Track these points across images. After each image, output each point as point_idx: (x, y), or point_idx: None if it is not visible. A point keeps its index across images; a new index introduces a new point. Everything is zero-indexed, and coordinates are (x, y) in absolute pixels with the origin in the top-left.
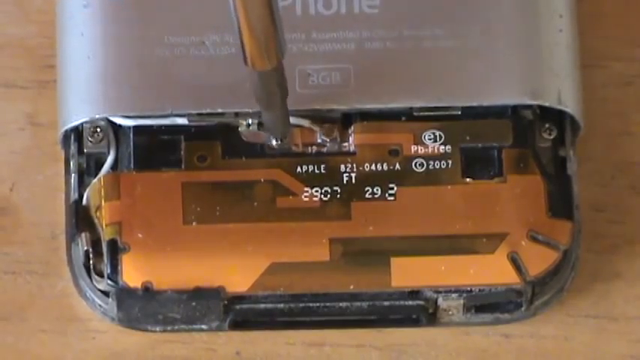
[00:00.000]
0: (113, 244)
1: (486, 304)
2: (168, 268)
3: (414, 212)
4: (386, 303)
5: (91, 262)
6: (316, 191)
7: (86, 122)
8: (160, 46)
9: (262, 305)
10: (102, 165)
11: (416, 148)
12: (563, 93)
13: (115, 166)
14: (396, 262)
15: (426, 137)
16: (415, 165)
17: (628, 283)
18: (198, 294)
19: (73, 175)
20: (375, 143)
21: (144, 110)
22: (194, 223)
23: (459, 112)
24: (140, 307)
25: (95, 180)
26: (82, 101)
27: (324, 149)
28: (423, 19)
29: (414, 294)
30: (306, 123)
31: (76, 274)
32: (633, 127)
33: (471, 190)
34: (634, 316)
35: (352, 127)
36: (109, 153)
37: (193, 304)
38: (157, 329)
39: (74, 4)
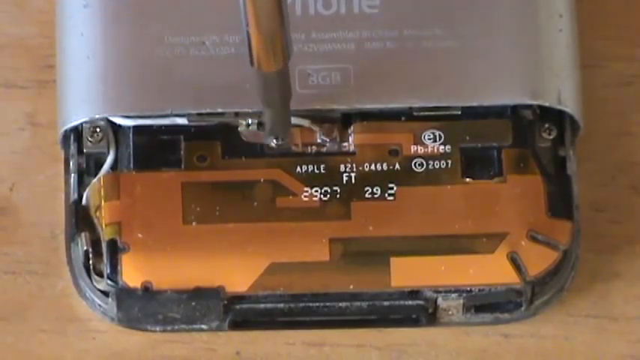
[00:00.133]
0: (113, 244)
1: (486, 304)
2: (168, 268)
3: (414, 212)
4: (386, 303)
5: (90, 262)
6: (316, 191)
7: (86, 122)
8: (160, 46)
9: (262, 305)
10: (102, 165)
11: (416, 148)
12: (563, 93)
13: (114, 166)
14: (396, 262)
15: (426, 137)
16: (415, 165)
17: (628, 283)
18: (198, 294)
19: (72, 175)
20: (375, 143)
21: (144, 110)
22: (194, 223)
23: (459, 112)
24: (140, 307)
25: (95, 180)
26: (81, 101)
27: (324, 149)
28: (423, 19)
29: (414, 294)
30: (306, 123)
31: (76, 274)
32: (633, 127)
33: (470, 190)
34: (634, 316)
35: (352, 127)
36: (108, 153)
37: (193, 304)
38: (157, 329)
39: (74, 4)
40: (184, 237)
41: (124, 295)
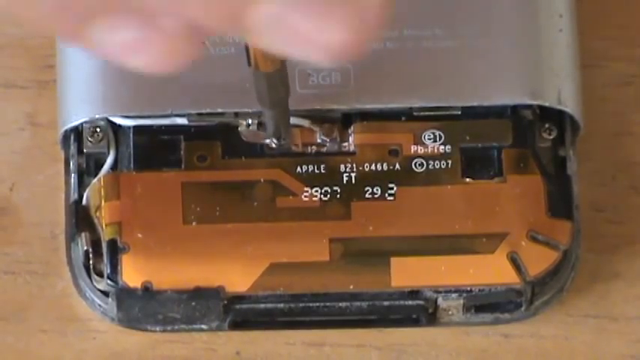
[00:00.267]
0: (113, 244)
1: (486, 304)
2: (168, 268)
3: (414, 212)
4: (386, 303)
5: (90, 262)
6: (316, 191)
7: (86, 122)
8: None
9: (262, 305)
10: (102, 165)
11: (416, 148)
12: (563, 93)
13: (114, 166)
14: (396, 262)
15: (426, 137)
16: (415, 165)
17: (628, 283)
18: (198, 294)
19: (72, 175)
20: (375, 143)
21: (144, 110)
22: (194, 223)
23: (459, 112)
24: (140, 307)
25: (95, 180)
26: (81, 101)
27: (324, 149)
28: (423, 19)
29: (414, 294)
30: (306, 123)
31: (76, 274)
32: (633, 127)
33: (470, 190)
34: (634, 316)
35: (352, 127)
36: (108, 153)
37: (193, 304)
38: (157, 329)
39: None
40: (184, 237)
41: (124, 295)
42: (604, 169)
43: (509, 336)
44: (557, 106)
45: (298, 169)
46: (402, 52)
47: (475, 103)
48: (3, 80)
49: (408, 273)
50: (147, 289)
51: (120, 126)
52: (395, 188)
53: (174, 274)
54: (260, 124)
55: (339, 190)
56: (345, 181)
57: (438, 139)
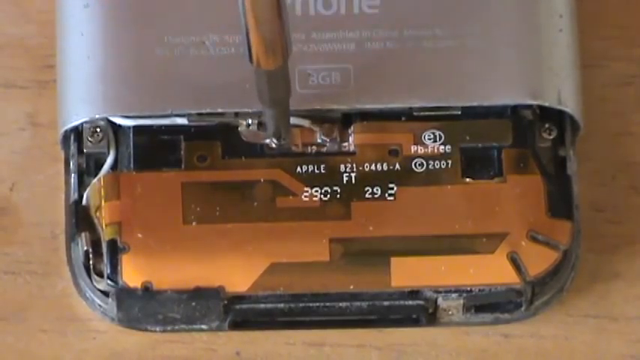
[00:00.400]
0: (113, 244)
1: (486, 304)
2: (168, 268)
3: (414, 212)
4: (386, 303)
5: (90, 262)
6: (316, 191)
7: (86, 122)
8: (160, 46)
9: (262, 305)
10: (102, 165)
11: (416, 148)
12: (563, 93)
13: (114, 166)
14: (396, 262)
15: (426, 137)
16: (415, 165)
17: (628, 283)
18: (198, 294)
19: (72, 175)
20: (375, 143)
21: (144, 110)
22: (194, 223)
23: (459, 112)
24: (140, 307)
25: (95, 180)
26: (81, 101)
27: (324, 149)
28: (423, 19)
29: (414, 294)
30: (306, 123)
31: (76, 274)
32: (633, 127)
33: (470, 190)
34: (634, 316)
35: (352, 127)
36: (108, 153)
37: (193, 304)
38: (157, 329)
39: (74, 4)
40: (184, 237)
41: (124, 295)
42: (604, 169)
43: (509, 336)
44: (557, 106)
45: (298, 169)
46: (402, 52)
47: (475, 103)
48: (3, 80)
49: (408, 273)
50: (147, 289)
51: (120, 126)
52: (395, 188)
53: (175, 274)
54: (260, 124)
55: (339, 190)
56: (345, 181)
57: (438, 139)
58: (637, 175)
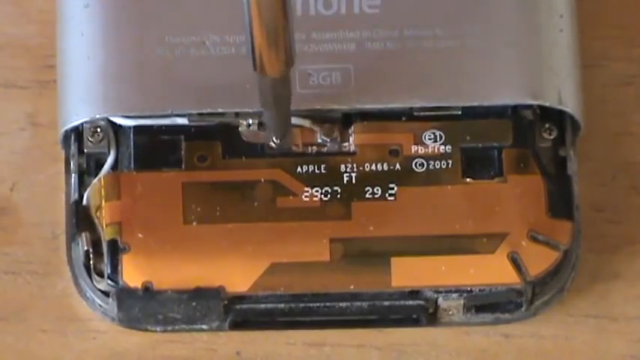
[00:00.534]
0: (113, 244)
1: (486, 304)
2: (169, 268)
3: (414, 212)
4: (386, 303)
5: (91, 262)
6: (316, 191)
7: (86, 122)
8: (160, 46)
9: (262, 305)
10: (102, 165)
11: (416, 148)
12: (563, 93)
13: (115, 166)
14: (396, 262)
15: (426, 137)
16: (415, 165)
17: (628, 283)
18: (199, 294)
19: (73, 175)
20: (376, 143)
21: (144, 110)
22: (194, 223)
23: (459, 112)
24: (140, 307)
25: (95, 180)
26: (82, 101)
27: (325, 149)
28: (423, 19)
29: (414, 294)
30: (306, 123)
31: (76, 274)
32: (633, 127)
33: (471, 190)
34: (634, 316)
35: (352, 127)
36: (109, 153)
37: (193, 304)
38: (157, 329)
39: (74, 4)
40: (185, 237)
41: (124, 295)
42: (604, 169)
43: (509, 336)
44: (558, 106)
45: (298, 169)
46: (402, 52)
47: (475, 103)
48: (3, 80)
49: (408, 273)
50: (147, 289)
51: (120, 126)
52: (395, 188)
53: (175, 274)
54: (260, 124)
55: (339, 190)
56: (345, 181)
57: (438, 139)
58: (637, 175)
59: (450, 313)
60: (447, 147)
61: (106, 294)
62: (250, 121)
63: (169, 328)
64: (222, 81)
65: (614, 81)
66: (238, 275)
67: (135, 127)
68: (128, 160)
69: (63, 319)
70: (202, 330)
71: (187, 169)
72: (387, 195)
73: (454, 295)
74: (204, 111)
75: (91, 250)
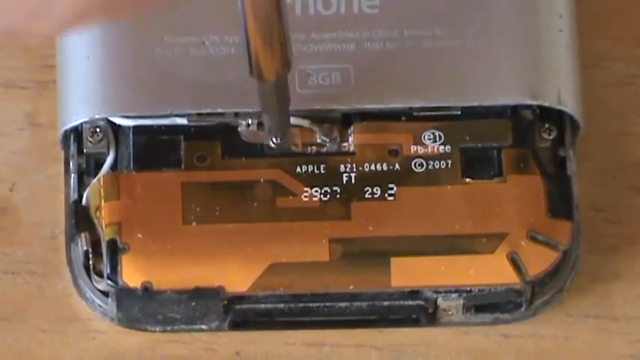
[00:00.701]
0: (113, 245)
1: (486, 304)
2: (168, 268)
3: (414, 212)
4: (386, 303)
5: (90, 262)
6: (316, 191)
7: (86, 122)
8: (160, 46)
9: (262, 305)
10: (102, 165)
11: (416, 148)
12: (562, 93)
13: (114, 166)
14: (396, 262)
15: (426, 137)
16: (415, 165)
17: (628, 283)
18: (198, 294)
19: (72, 175)
20: (375, 143)
21: (144, 110)
22: (194, 223)
23: (459, 112)
24: (140, 307)
25: (95, 180)
26: (81, 101)
27: (324, 149)
28: (423, 19)
29: (414, 294)
30: (306, 123)
31: (76, 274)
32: (633, 127)
33: (470, 190)
34: (634, 316)
35: (352, 127)
36: (108, 153)
37: (193, 304)
38: (157, 329)
39: None
40: (184, 237)
41: (123, 296)
42: (604, 169)
43: (509, 336)
44: (557, 106)
45: (298, 169)
46: (401, 52)
47: (475, 103)
48: (3, 80)
49: (407, 273)
50: (147, 289)
51: (120, 126)
52: (395, 188)
53: (174, 274)
54: (260, 124)
55: (338, 190)
56: (344, 181)
57: (437, 139)
58: (637, 175)
59: (450, 313)
60: (446, 147)
61: (105, 294)
62: (250, 121)
63: (169, 328)
64: (222, 81)
65: (614, 81)
66: (238, 275)
67: (134, 127)
68: (127, 160)
69: (63, 319)
70: (202, 330)
71: (187, 169)
72: (386, 195)
73: (454, 295)
74: (203, 111)
75: (90, 250)
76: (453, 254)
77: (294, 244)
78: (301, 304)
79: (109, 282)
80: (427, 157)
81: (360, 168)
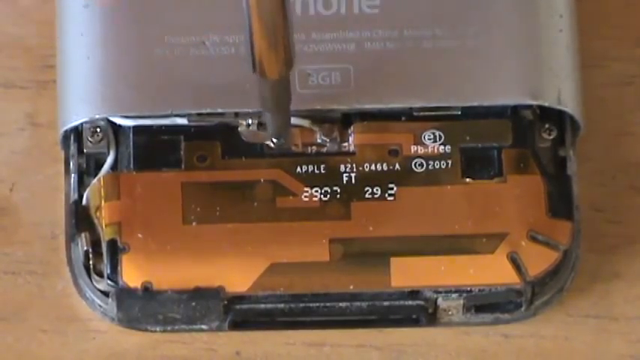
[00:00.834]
0: (113, 244)
1: (486, 304)
2: (168, 268)
3: (414, 212)
4: (386, 303)
5: (90, 262)
6: (316, 191)
7: (86, 122)
8: (160, 46)
9: (262, 305)
10: (102, 165)
11: (416, 148)
12: (563, 93)
13: (114, 166)
14: (396, 262)
15: (426, 137)
16: (415, 165)
17: (628, 283)
18: (198, 294)
19: (72, 175)
20: (375, 143)
21: (144, 110)
22: (194, 223)
23: (459, 112)
24: (140, 307)
25: (95, 180)
26: (81, 101)
27: (324, 149)
28: (423, 19)
29: (414, 294)
30: (306, 123)
31: (76, 274)
32: (633, 127)
33: (470, 190)
34: (634, 316)
35: (352, 127)
36: (108, 153)
37: (193, 304)
38: (157, 329)
39: (74, 4)
40: (184, 237)
41: (124, 296)
42: (604, 169)
43: (509, 336)
44: (557, 106)
45: (298, 169)
46: (402, 52)
47: (475, 103)
48: (3, 80)
49: (407, 273)
50: (147, 289)
51: (120, 126)
52: (395, 188)
53: (175, 274)
54: (260, 124)
55: (339, 190)
56: (345, 181)
57: (438, 139)
58: (637, 175)
59: (450, 313)
60: (446, 147)
61: (105, 294)
62: (250, 121)
63: (169, 328)
64: (222, 81)
65: (614, 81)
66: (238, 275)
67: (134, 127)
68: (128, 160)
69: (63, 319)
70: (202, 330)
71: (187, 169)
72: (386, 195)
73: (454, 295)
74: (203, 111)
75: (90, 250)
76: (453, 254)
77: (294, 244)
78: (301, 304)
79: (109, 282)
80: (427, 157)
81: (360, 168)
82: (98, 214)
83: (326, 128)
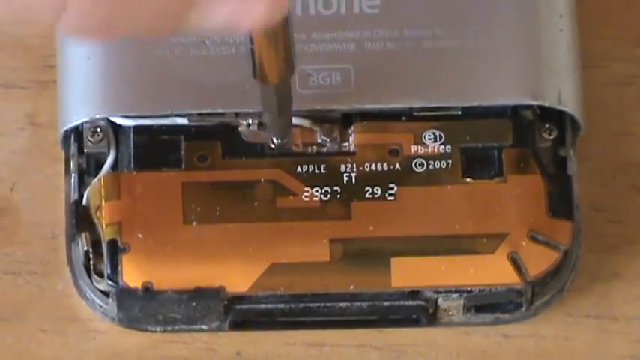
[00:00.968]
0: (113, 244)
1: (486, 304)
2: (169, 268)
3: (414, 212)
4: (386, 303)
5: (91, 262)
6: (316, 191)
7: (86, 122)
8: (160, 46)
9: (262, 305)
10: (102, 165)
11: (416, 148)
12: (563, 93)
13: (115, 166)
14: (396, 262)
15: (426, 137)
16: (415, 165)
17: (628, 283)
18: (199, 294)
19: (73, 175)
20: (375, 143)
21: (144, 110)
22: (194, 223)
23: (459, 112)
24: (140, 307)
25: (95, 180)
26: (82, 101)
27: (324, 149)
28: (423, 19)
29: (414, 294)
30: (306, 123)
31: (76, 274)
32: (633, 127)
33: (471, 190)
34: (634, 316)
35: (352, 127)
36: (109, 153)
37: (193, 304)
38: (157, 329)
39: None
40: (185, 237)
41: (124, 296)
42: (604, 169)
43: (509, 336)
44: (558, 106)
45: (298, 169)
46: (402, 52)
47: (475, 103)
48: (3, 80)
49: (408, 273)
50: (147, 289)
51: (120, 126)
52: (395, 188)
53: (175, 274)
54: (260, 124)
55: (339, 190)
56: (345, 181)
57: (438, 139)
58: (637, 175)
59: (450, 313)
60: (446, 147)
61: (106, 294)
62: (250, 121)
63: (169, 328)
64: (222, 81)
65: (614, 81)
66: (238, 275)
67: (135, 127)
68: (128, 160)
69: (63, 319)
70: (202, 330)
71: (187, 169)
72: (386, 195)
73: (454, 295)
74: (204, 111)
75: (90, 250)
76: (453, 254)
77: (294, 244)
78: (302, 304)
79: (109, 282)
80: (427, 157)
81: (361, 168)
82: (98, 214)
83: (326, 128)
